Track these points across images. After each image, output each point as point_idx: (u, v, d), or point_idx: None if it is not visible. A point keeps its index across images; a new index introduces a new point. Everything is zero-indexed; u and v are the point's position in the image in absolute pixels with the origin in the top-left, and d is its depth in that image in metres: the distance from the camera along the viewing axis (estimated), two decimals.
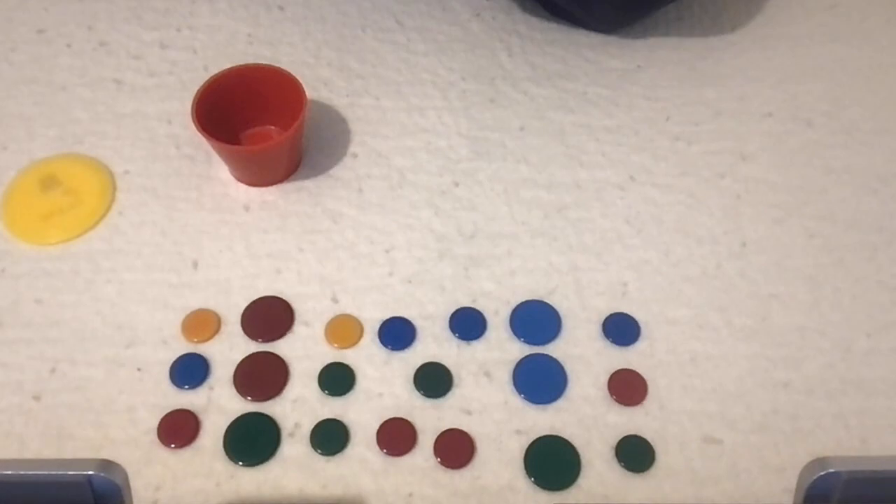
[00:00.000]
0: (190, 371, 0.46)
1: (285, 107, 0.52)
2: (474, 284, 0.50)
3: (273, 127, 0.54)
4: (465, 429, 0.45)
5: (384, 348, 0.48)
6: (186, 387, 0.46)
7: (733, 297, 0.50)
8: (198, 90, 0.51)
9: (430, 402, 0.46)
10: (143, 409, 0.45)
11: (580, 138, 0.56)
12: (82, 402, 0.46)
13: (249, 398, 0.46)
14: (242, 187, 0.53)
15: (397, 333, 0.48)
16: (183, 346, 0.48)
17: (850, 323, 0.49)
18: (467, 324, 0.48)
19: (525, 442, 0.45)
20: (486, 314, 0.49)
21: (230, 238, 0.52)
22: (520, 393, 0.46)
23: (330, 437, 0.44)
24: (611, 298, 0.49)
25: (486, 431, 0.45)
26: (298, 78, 0.52)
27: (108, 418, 0.45)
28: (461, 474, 0.44)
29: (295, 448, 0.44)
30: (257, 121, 0.54)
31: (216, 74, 0.52)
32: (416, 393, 0.46)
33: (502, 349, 0.48)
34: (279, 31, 0.62)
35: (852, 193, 0.54)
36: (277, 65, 0.53)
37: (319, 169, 0.55)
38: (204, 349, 0.48)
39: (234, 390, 0.46)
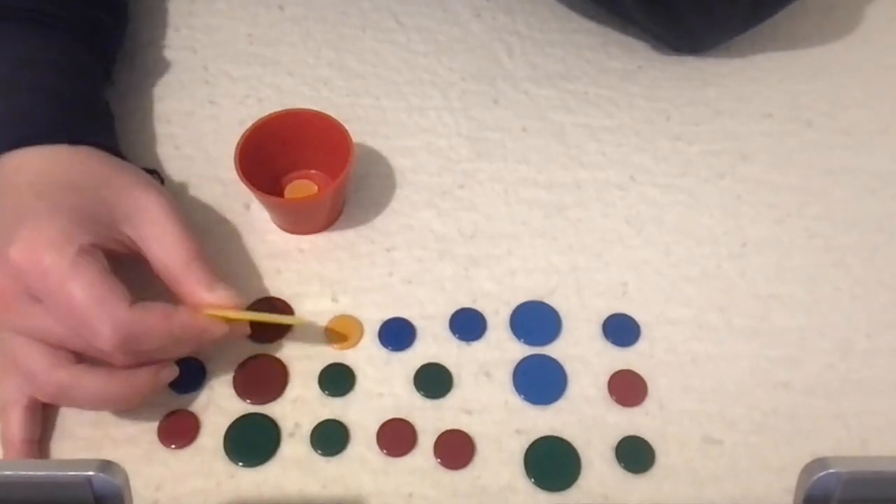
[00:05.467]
0: (189, 372, 0.46)
1: (329, 152, 0.49)
2: (474, 284, 0.50)
3: (314, 171, 0.52)
4: (465, 429, 0.45)
5: (384, 348, 0.48)
6: (186, 388, 0.46)
7: (733, 297, 0.50)
8: (241, 137, 0.49)
9: (430, 403, 0.46)
10: (143, 409, 0.45)
11: (580, 138, 0.56)
12: None
13: (249, 401, 0.46)
14: (242, 187, 0.53)
15: (397, 334, 0.48)
16: None
17: (850, 323, 0.49)
18: (467, 324, 0.48)
19: (525, 442, 0.44)
20: (486, 314, 0.49)
21: (230, 238, 0.52)
22: (520, 393, 0.46)
23: (330, 438, 0.44)
24: (611, 298, 0.49)
25: (486, 431, 0.45)
26: (335, 118, 0.51)
27: (108, 418, 0.45)
28: (461, 474, 0.44)
29: (295, 448, 0.44)
30: (299, 166, 0.52)
31: (259, 120, 0.50)
32: (416, 393, 0.46)
33: (502, 349, 0.48)
34: (279, 31, 0.62)
35: (852, 193, 0.54)
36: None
37: None
38: (203, 350, 0.47)
39: (233, 391, 0.46)
